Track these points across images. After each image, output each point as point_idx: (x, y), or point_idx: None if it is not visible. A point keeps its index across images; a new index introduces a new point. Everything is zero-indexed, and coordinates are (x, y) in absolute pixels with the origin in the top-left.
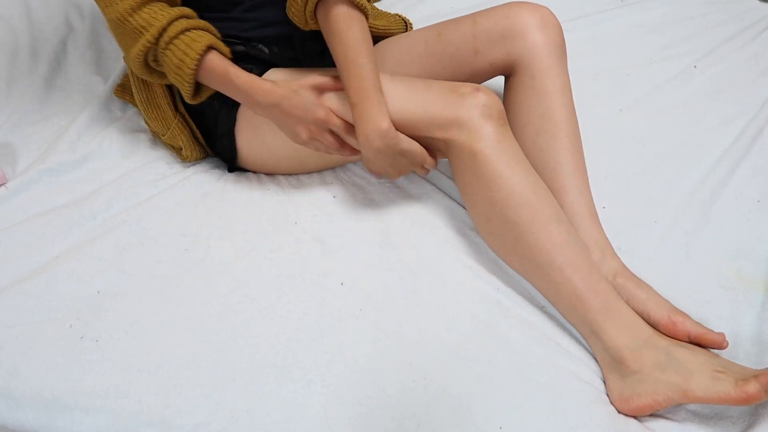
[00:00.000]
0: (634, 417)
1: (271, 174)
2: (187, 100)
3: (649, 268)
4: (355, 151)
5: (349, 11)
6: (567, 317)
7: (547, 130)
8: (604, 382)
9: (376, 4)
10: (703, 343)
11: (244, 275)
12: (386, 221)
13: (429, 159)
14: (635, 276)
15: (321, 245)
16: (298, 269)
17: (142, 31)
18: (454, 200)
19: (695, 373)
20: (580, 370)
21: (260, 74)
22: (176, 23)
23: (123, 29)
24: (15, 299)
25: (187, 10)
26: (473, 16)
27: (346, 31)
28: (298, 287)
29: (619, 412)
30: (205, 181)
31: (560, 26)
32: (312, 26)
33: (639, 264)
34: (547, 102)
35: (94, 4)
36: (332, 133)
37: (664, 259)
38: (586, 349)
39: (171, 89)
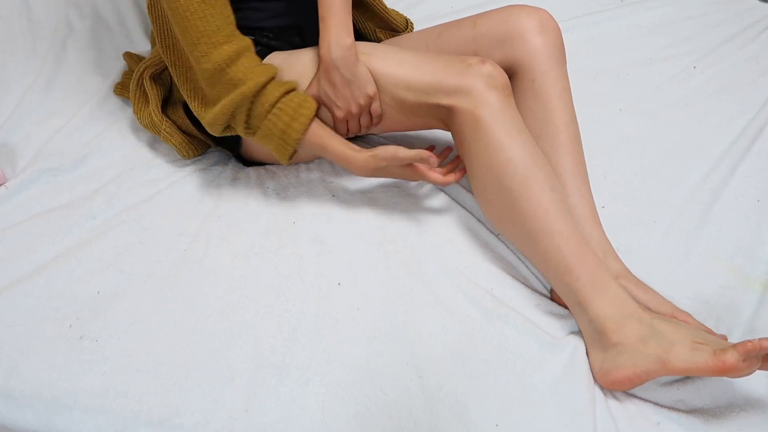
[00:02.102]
0: (619, 391)
1: (274, 164)
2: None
3: (648, 268)
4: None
5: None
6: (554, 286)
7: (548, 133)
8: (588, 357)
9: None
10: None
11: (243, 275)
12: (384, 221)
13: (374, 91)
14: (637, 279)
15: (319, 245)
16: (296, 269)
17: (238, 83)
18: (454, 200)
19: (675, 344)
20: (576, 368)
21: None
22: (275, 84)
23: (219, 79)
24: (15, 299)
25: (277, 69)
26: (473, 19)
27: None
28: (296, 287)
29: (601, 387)
30: (204, 181)
31: (559, 29)
32: None
33: (638, 264)
34: (547, 106)
35: (94, 4)
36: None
37: (663, 258)
38: (583, 347)
39: (165, 101)
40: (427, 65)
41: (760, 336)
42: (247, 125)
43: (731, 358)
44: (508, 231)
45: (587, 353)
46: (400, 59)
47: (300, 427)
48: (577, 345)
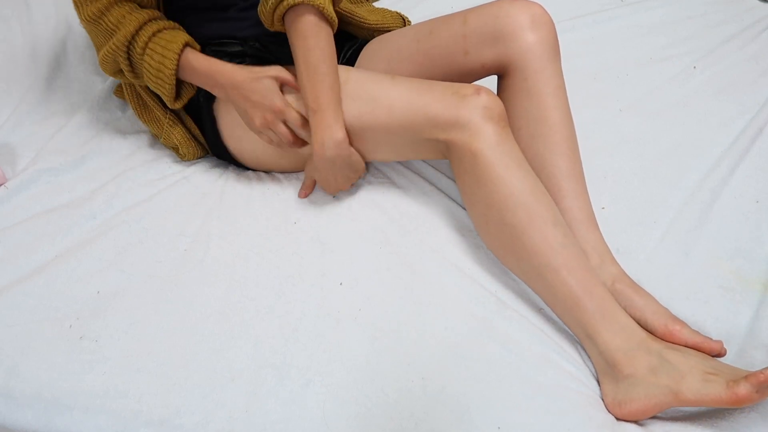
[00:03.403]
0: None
1: (266, 171)
2: (170, 105)
3: (648, 268)
4: (304, 143)
5: (318, 21)
6: (563, 319)
7: (542, 133)
8: (599, 387)
9: (374, 4)
10: (701, 351)
11: (243, 275)
12: (385, 221)
13: (363, 170)
14: (634, 282)
15: (320, 245)
16: (297, 269)
17: (113, 31)
18: (454, 200)
19: (686, 375)
20: (578, 370)
21: None
22: (147, 27)
23: (96, 29)
24: (15, 299)
25: (156, 12)
26: (464, 14)
27: (313, 38)
28: (297, 287)
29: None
30: (204, 181)
31: (553, 24)
32: (278, 28)
33: (638, 264)
34: (541, 105)
35: None
36: (286, 125)
37: (663, 259)
38: (584, 350)
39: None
40: (420, 99)
41: (762, 338)
42: (132, 71)
43: (744, 389)
44: (513, 266)
45: (598, 383)
46: (390, 102)
47: (300, 428)
48: (579, 349)
